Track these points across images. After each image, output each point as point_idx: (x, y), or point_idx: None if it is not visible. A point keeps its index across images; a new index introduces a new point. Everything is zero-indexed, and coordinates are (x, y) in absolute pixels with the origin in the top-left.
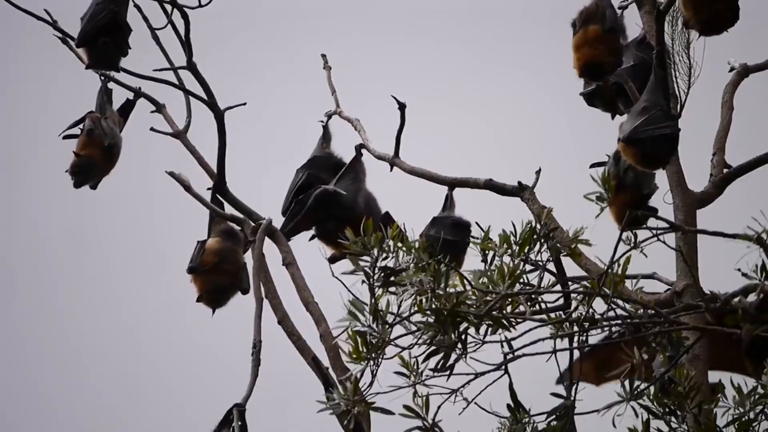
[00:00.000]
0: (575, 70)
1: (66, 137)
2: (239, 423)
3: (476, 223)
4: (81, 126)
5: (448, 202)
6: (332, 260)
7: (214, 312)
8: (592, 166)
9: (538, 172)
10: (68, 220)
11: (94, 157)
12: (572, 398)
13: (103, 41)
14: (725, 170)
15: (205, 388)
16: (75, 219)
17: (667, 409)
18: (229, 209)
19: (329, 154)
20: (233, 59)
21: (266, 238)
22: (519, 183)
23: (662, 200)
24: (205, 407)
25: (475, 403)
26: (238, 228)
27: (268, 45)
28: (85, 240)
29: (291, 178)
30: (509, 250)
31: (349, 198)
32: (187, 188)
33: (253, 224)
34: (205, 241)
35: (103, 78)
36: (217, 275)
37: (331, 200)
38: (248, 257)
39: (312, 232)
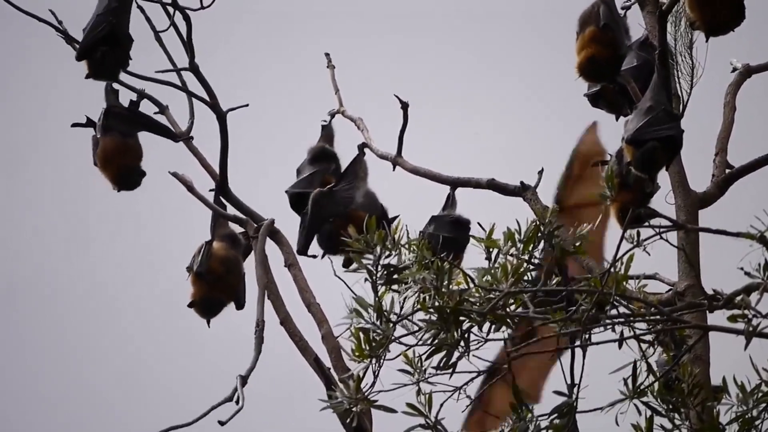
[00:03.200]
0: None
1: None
2: (242, 390)
3: (478, 223)
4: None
5: (450, 202)
6: (346, 264)
7: (209, 323)
8: (594, 165)
9: (540, 173)
10: (70, 221)
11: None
12: (575, 396)
13: (102, 53)
14: (727, 171)
15: (205, 386)
16: (77, 219)
17: (670, 407)
18: (231, 210)
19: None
20: (235, 60)
21: (268, 239)
22: (521, 183)
23: (664, 200)
24: (205, 406)
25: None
26: (240, 230)
27: (270, 46)
28: (88, 240)
29: (292, 180)
30: (513, 248)
31: (344, 196)
32: (190, 188)
33: (255, 225)
34: (212, 243)
35: (110, 86)
36: (219, 288)
37: (327, 200)
38: (248, 261)
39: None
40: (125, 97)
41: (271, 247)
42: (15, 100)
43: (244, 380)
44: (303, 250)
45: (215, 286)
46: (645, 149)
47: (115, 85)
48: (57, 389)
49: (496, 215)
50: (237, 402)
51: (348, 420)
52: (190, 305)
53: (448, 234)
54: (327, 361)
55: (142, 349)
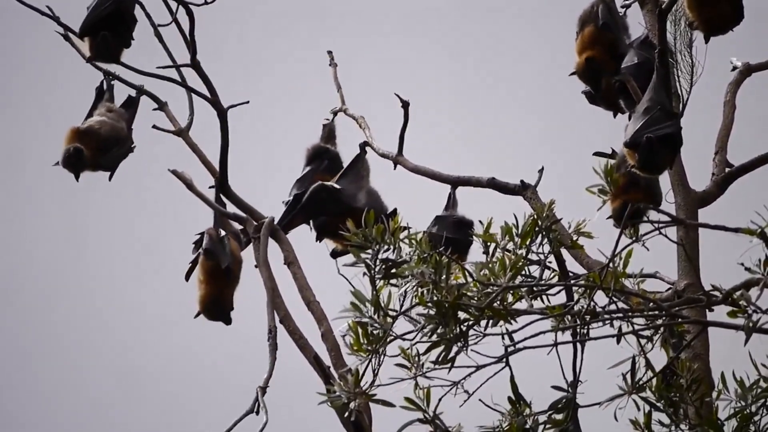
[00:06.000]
0: (577, 73)
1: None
2: (263, 400)
3: (479, 221)
4: None
5: (451, 201)
6: (335, 254)
7: (197, 316)
8: (596, 154)
9: (540, 171)
10: (70, 219)
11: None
12: (574, 391)
13: (104, 35)
14: (727, 169)
15: (206, 385)
16: (77, 217)
17: (669, 402)
18: (231, 208)
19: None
20: (237, 57)
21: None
22: (522, 182)
23: (664, 199)
24: (206, 407)
25: (480, 399)
26: (240, 227)
27: (272, 43)
28: (87, 238)
29: (294, 178)
30: (511, 242)
31: (346, 194)
32: (190, 186)
33: (255, 223)
34: (230, 239)
35: (108, 76)
36: (229, 290)
37: (327, 196)
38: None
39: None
40: (124, 93)
41: (270, 245)
42: (15, 99)
43: (263, 390)
44: (284, 229)
45: (229, 286)
46: (642, 147)
47: (114, 82)
48: (57, 393)
49: (497, 214)
50: (258, 413)
51: (346, 414)
52: (210, 300)
53: (452, 234)
54: (326, 359)
55: (143, 345)
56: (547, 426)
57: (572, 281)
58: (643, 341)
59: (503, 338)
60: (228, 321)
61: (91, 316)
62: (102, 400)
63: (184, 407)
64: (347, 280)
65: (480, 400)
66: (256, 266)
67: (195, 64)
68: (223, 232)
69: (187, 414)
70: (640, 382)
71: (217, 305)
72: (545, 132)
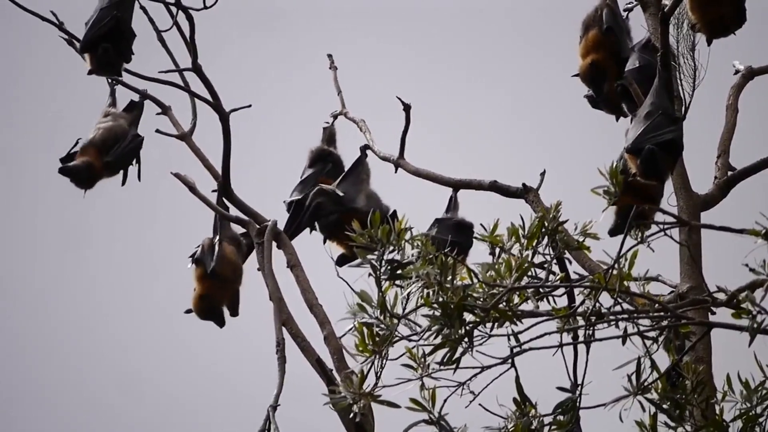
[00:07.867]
0: (580, 76)
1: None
2: (274, 423)
3: (480, 224)
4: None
5: (453, 204)
6: (341, 262)
7: (188, 312)
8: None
9: (542, 174)
10: (71, 220)
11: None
12: (578, 392)
13: (105, 47)
14: (729, 173)
15: (206, 386)
16: (78, 218)
17: (674, 403)
18: (233, 211)
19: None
20: (238, 61)
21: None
22: (523, 185)
23: (666, 202)
24: (206, 407)
25: (480, 403)
26: (241, 231)
27: (273, 47)
28: (89, 239)
29: (295, 181)
30: (517, 243)
31: (347, 197)
32: (193, 189)
33: (258, 226)
34: (222, 243)
35: (111, 81)
36: (223, 292)
37: (328, 200)
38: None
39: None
40: (127, 97)
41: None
42: (19, 100)
43: (274, 409)
44: (291, 236)
45: (221, 288)
46: (643, 157)
47: (118, 87)
48: (57, 393)
49: (498, 217)
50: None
51: (350, 416)
52: (198, 302)
53: (452, 237)
54: (329, 362)
55: (145, 348)
56: (553, 427)
57: (578, 283)
58: (648, 342)
59: (509, 339)
60: (221, 323)
61: (91, 316)
62: (102, 401)
63: (184, 408)
64: (347, 282)
65: (480, 404)
66: (258, 269)
67: (196, 69)
68: (216, 239)
69: (188, 415)
70: (646, 384)
71: (207, 305)
72: (547, 135)
